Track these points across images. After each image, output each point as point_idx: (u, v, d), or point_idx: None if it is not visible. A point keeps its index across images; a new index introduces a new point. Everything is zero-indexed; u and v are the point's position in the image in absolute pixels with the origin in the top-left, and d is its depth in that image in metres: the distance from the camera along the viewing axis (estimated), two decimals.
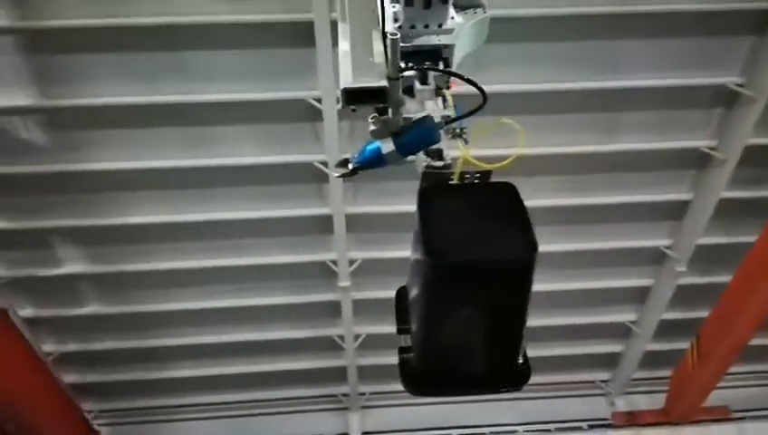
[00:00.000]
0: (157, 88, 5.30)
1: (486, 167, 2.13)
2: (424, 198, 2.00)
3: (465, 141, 2.14)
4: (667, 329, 7.48)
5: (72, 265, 6.54)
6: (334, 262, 6.57)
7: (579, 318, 7.54)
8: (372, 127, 1.92)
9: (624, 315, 7.59)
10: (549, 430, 8.08)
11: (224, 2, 4.81)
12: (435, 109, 2.35)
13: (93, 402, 7.98)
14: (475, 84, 1.88)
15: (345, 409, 8.19)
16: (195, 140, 5.69)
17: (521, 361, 2.10)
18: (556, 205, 6.35)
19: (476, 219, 1.92)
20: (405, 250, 2.22)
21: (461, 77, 1.89)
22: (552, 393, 8.15)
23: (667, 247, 6.79)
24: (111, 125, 5.56)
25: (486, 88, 5.50)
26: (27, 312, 6.84)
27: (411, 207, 2.03)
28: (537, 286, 7.15)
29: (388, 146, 1.93)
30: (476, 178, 2.15)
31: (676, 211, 6.55)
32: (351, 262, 6.60)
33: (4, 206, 6.01)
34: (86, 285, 6.81)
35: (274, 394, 8.14)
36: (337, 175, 2.08)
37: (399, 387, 2.20)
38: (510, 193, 1.99)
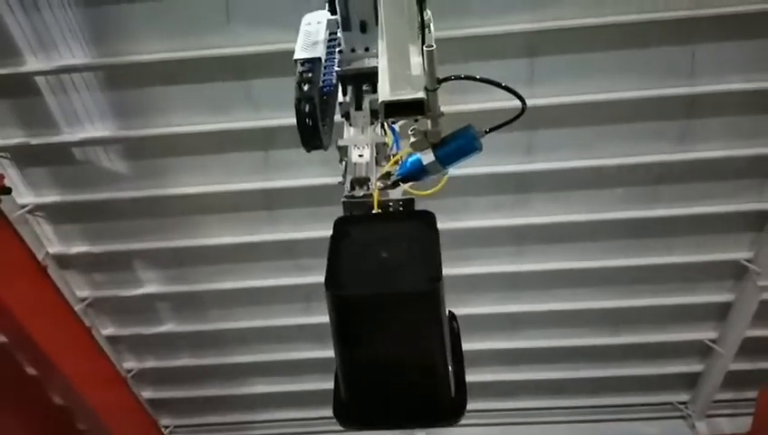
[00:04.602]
0: (226, 116, 5.56)
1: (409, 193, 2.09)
2: (337, 228, 1.97)
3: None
4: (751, 347, 7.01)
5: (151, 285, 6.86)
6: None
7: (654, 336, 7.19)
8: (413, 139, 1.94)
9: (704, 333, 7.18)
10: None
11: (283, 32, 4.97)
12: (374, 137, 2.34)
13: (170, 418, 8.28)
14: (514, 92, 1.87)
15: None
16: (263, 164, 5.90)
17: (453, 394, 1.98)
18: (628, 217, 6.13)
19: (384, 250, 1.87)
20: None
21: (499, 85, 1.88)
22: (627, 416, 7.78)
23: (748, 260, 6.40)
24: (185, 152, 5.85)
25: (554, 100, 5.37)
26: (109, 331, 7.22)
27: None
28: (607, 302, 6.81)
29: (428, 157, 1.95)
30: (400, 206, 2.12)
31: (757, 222, 6.19)
32: None
33: (88, 230, 6.39)
34: (164, 305, 7.11)
35: None
36: (380, 188, 2.10)
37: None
38: (426, 222, 1.93)
